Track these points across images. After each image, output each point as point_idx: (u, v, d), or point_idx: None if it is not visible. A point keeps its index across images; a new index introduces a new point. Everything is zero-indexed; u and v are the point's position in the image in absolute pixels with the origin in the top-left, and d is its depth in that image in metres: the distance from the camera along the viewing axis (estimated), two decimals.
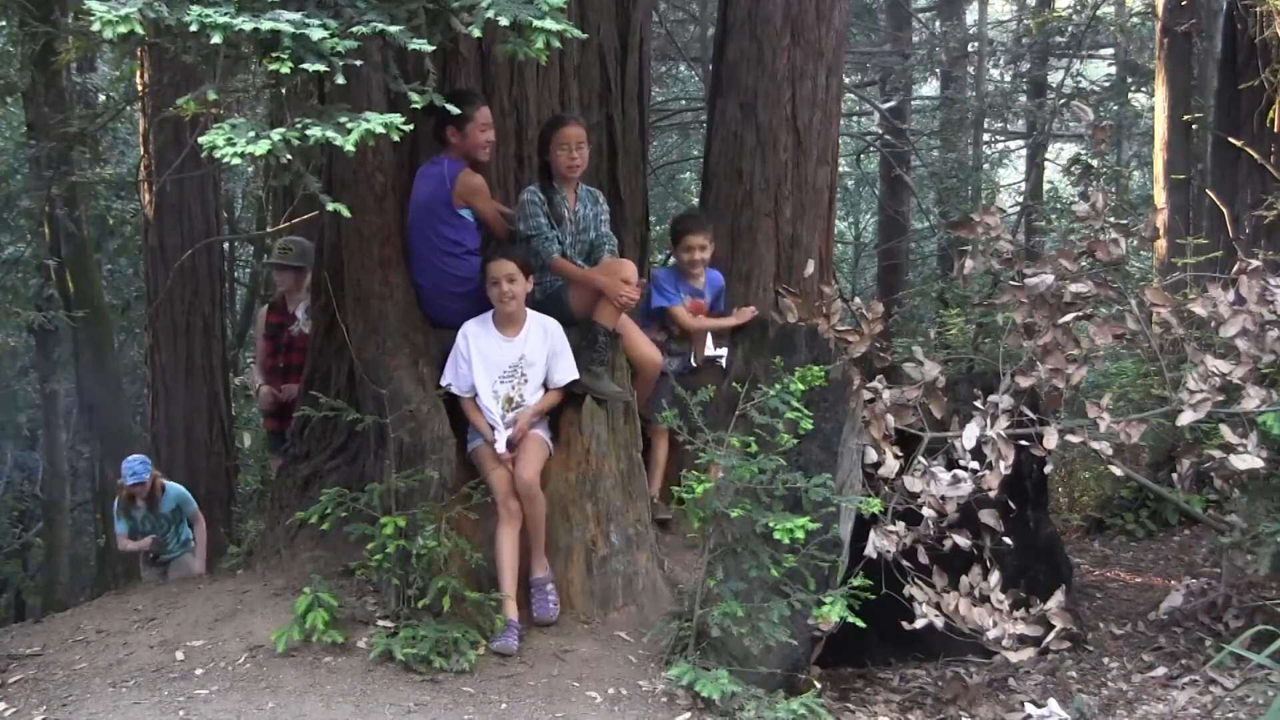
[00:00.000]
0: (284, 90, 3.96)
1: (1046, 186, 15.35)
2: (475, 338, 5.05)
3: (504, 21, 3.79)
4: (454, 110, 4.19)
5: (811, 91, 6.56)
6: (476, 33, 3.88)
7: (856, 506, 5.01)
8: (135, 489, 7.02)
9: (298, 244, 6.73)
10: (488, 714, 4.22)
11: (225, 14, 3.57)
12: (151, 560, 7.24)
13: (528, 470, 4.87)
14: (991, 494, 5.56)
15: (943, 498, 5.47)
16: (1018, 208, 14.83)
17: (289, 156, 3.72)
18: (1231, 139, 9.02)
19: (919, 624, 5.26)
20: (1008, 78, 15.87)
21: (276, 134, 3.67)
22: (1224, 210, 9.11)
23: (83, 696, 4.29)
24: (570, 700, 4.37)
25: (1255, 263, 6.01)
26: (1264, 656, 4.87)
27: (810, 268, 6.49)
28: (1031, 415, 5.78)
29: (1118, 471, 6.29)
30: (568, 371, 5.11)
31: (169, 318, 9.51)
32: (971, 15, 16.72)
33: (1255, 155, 8.78)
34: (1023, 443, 5.73)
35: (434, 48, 3.89)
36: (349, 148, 3.67)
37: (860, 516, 5.21)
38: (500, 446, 4.95)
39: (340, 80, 3.69)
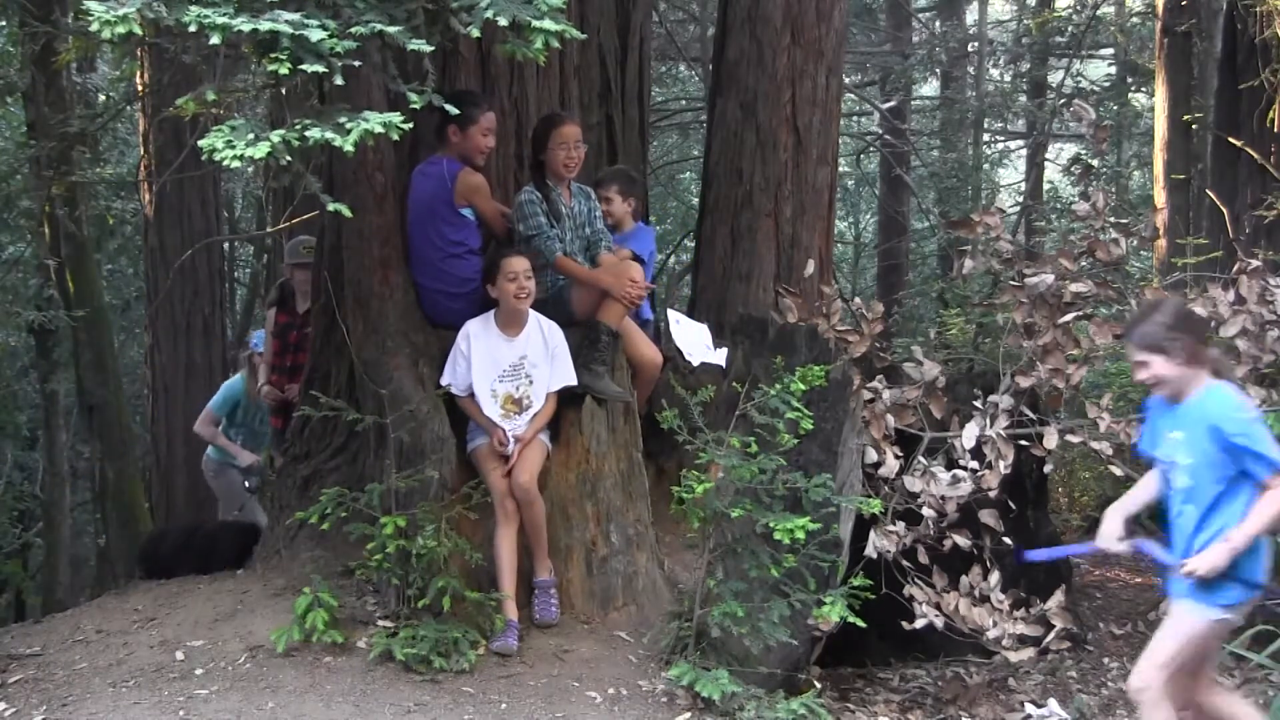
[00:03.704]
0: (283, 91, 3.96)
1: (1046, 186, 15.33)
2: (476, 336, 5.05)
3: (503, 22, 3.79)
4: (456, 111, 4.20)
5: (811, 91, 6.56)
6: (476, 33, 3.88)
7: (856, 506, 5.01)
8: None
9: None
10: (488, 714, 4.23)
11: (224, 14, 3.57)
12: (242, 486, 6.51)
13: (524, 474, 4.86)
14: (991, 494, 5.56)
15: (943, 498, 5.47)
16: (1018, 208, 14.81)
17: (289, 158, 3.72)
18: (1231, 139, 9.00)
19: (919, 624, 5.26)
20: (1008, 78, 15.84)
21: (276, 135, 3.67)
22: (1224, 210, 9.10)
23: (83, 696, 4.29)
24: (570, 700, 4.37)
25: (1255, 263, 6.01)
26: (1264, 656, 4.89)
27: (810, 268, 6.49)
28: (1031, 415, 5.78)
29: (1118, 471, 6.28)
30: (565, 376, 5.10)
31: (169, 318, 9.51)
32: (971, 15, 16.70)
33: (1255, 155, 8.77)
34: (1023, 443, 5.73)
35: (433, 48, 3.89)
36: (348, 148, 3.67)
37: (860, 516, 5.20)
38: (510, 447, 4.94)
39: (339, 81, 3.69)
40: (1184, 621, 3.81)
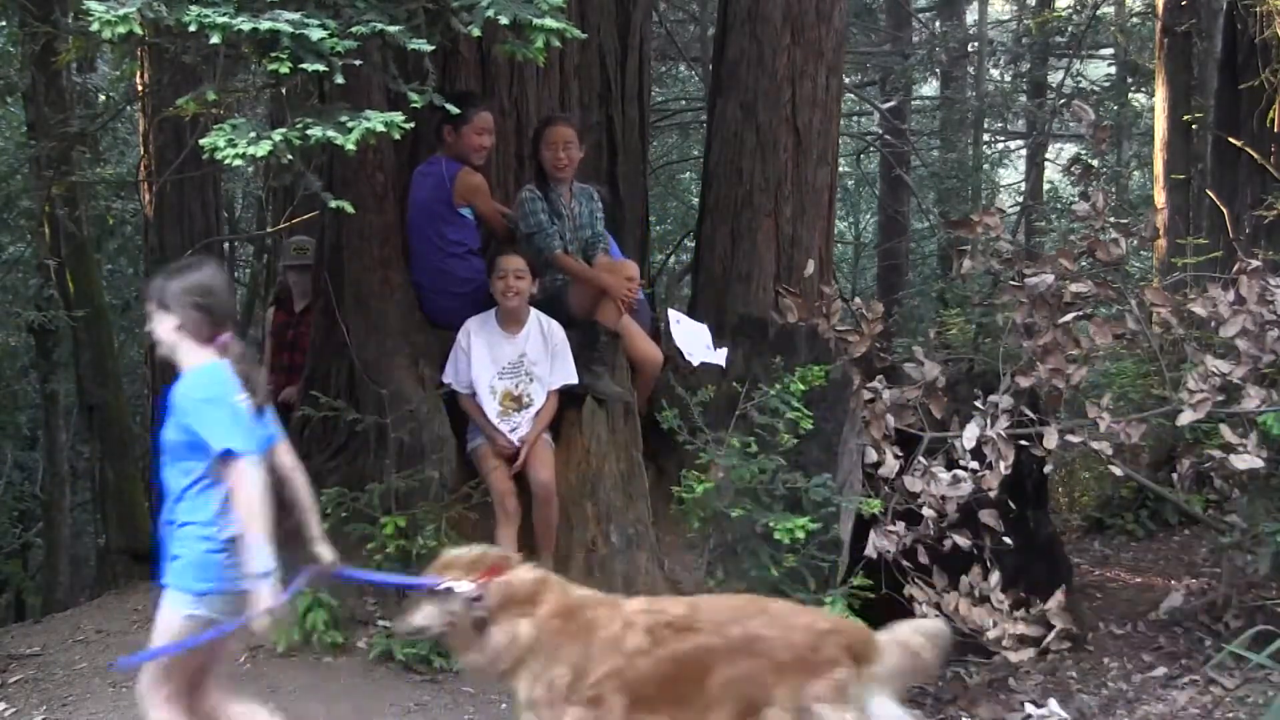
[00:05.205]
0: (284, 90, 3.96)
1: (1046, 186, 15.32)
2: (476, 334, 5.05)
3: (504, 21, 3.80)
4: (453, 110, 4.20)
5: (811, 91, 6.55)
6: (476, 32, 3.88)
7: (856, 506, 5.00)
8: None
9: (312, 243, 6.61)
10: (488, 714, 4.23)
11: (224, 14, 3.57)
12: None
13: (543, 471, 4.87)
14: (991, 494, 5.55)
15: (943, 498, 5.46)
16: (1018, 208, 14.80)
17: (289, 157, 3.73)
18: (1231, 139, 9.00)
19: None
20: (1008, 78, 15.83)
21: (277, 134, 3.67)
22: (1224, 210, 9.10)
23: (83, 696, 4.29)
24: None
25: (1255, 263, 6.00)
26: (1264, 656, 4.87)
27: (810, 268, 6.49)
28: (1031, 415, 5.77)
29: (1118, 471, 6.28)
30: (566, 374, 5.10)
31: None
32: (971, 15, 16.69)
33: (1255, 155, 8.76)
34: (1023, 443, 5.72)
35: (433, 48, 3.90)
36: (350, 147, 3.67)
37: (860, 516, 5.20)
38: (514, 439, 4.94)
39: (340, 80, 3.69)
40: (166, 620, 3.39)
